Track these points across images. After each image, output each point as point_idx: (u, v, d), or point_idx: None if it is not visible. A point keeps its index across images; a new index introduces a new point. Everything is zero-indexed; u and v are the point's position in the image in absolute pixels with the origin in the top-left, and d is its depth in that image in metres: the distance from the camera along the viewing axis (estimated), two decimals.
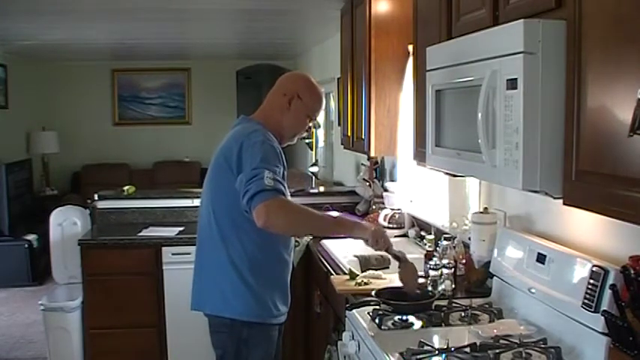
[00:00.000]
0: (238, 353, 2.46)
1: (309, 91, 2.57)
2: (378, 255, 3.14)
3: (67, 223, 4.38)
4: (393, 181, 4.18)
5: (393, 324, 2.21)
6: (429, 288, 2.54)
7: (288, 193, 2.34)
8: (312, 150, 6.99)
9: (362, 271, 2.89)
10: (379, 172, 4.35)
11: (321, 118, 7.13)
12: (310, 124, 2.63)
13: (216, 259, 2.44)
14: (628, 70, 1.35)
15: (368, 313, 2.30)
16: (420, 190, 3.70)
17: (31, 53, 7.54)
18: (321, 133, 7.12)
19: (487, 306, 2.29)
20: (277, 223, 2.26)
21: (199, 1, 4.46)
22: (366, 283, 2.70)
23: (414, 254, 3.19)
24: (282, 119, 2.53)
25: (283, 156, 2.41)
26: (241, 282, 2.41)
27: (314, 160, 6.62)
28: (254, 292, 2.43)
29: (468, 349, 1.86)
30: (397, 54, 3.57)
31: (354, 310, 2.39)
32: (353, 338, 2.35)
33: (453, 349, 1.86)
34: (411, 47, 3.21)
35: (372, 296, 2.39)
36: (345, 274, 2.89)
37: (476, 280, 2.57)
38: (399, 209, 3.78)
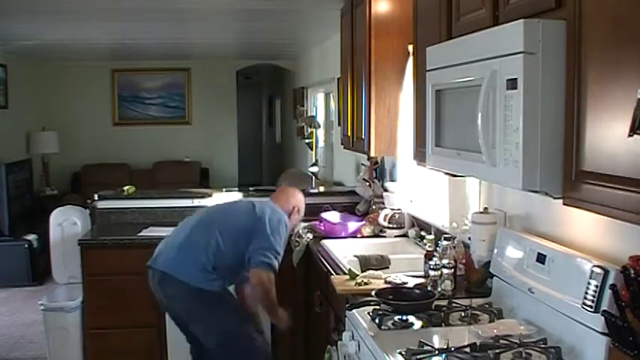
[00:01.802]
0: (240, 326, 3.24)
1: (302, 205, 3.58)
2: (378, 255, 3.15)
3: (67, 223, 4.38)
4: (393, 181, 4.18)
5: (393, 324, 2.21)
6: (429, 288, 2.54)
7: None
8: (312, 150, 6.99)
9: (362, 271, 2.89)
10: (379, 172, 4.34)
11: (321, 118, 7.15)
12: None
13: (208, 251, 3.23)
14: (628, 70, 1.35)
15: (368, 313, 2.30)
16: (420, 190, 3.70)
17: (31, 53, 7.55)
18: (321, 133, 7.12)
19: (487, 306, 2.30)
20: (258, 288, 3.19)
21: (199, 1, 4.46)
22: (366, 283, 2.70)
23: (414, 254, 3.20)
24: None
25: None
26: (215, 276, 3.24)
27: (314, 160, 6.62)
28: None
29: (468, 349, 1.86)
30: (397, 54, 3.57)
31: (354, 310, 2.39)
32: (353, 338, 2.35)
33: (453, 349, 1.86)
34: (411, 47, 3.21)
35: (372, 296, 2.39)
36: (345, 274, 2.89)
37: (476, 280, 2.57)
38: (399, 209, 3.77)
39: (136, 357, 4.06)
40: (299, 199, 3.61)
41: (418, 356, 1.86)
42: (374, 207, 4.14)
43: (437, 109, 2.26)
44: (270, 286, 3.20)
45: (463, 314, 2.25)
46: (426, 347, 1.91)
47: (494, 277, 2.45)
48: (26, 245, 6.45)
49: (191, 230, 3.34)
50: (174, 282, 3.21)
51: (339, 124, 5.52)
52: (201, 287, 3.17)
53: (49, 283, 5.61)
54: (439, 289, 2.53)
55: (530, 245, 2.22)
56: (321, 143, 7.23)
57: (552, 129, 1.65)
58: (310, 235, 3.86)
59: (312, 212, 4.30)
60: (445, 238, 2.71)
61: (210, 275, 3.21)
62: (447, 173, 2.46)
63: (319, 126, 6.76)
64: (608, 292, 1.71)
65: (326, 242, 3.61)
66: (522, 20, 1.65)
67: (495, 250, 2.45)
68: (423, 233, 3.42)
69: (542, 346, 1.89)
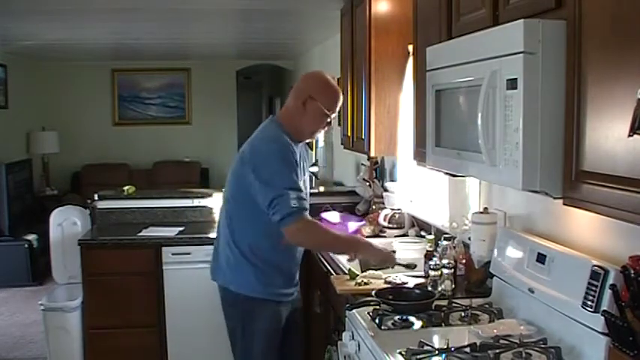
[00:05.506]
0: (244, 325, 2.74)
1: (321, 90, 2.74)
2: None
3: (67, 223, 4.38)
4: (393, 181, 4.18)
5: (393, 324, 2.21)
6: (429, 288, 2.54)
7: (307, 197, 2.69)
8: (311, 150, 6.99)
9: (362, 271, 2.88)
10: (379, 172, 4.35)
11: None
12: (330, 120, 2.80)
13: (225, 238, 2.76)
14: (628, 70, 1.35)
15: (368, 313, 2.30)
16: (420, 190, 3.70)
17: (31, 53, 7.55)
18: (321, 133, 7.11)
19: (487, 306, 2.29)
20: (304, 243, 2.76)
21: (199, 1, 4.46)
22: (366, 283, 2.70)
23: (414, 254, 3.19)
24: (300, 121, 2.73)
25: (297, 156, 2.66)
26: (242, 259, 2.70)
27: (314, 160, 6.62)
28: (254, 271, 2.71)
29: (468, 349, 1.86)
30: (397, 54, 3.57)
31: (354, 310, 2.39)
32: (353, 338, 2.35)
33: (453, 349, 1.86)
34: (411, 47, 3.21)
35: (372, 296, 2.39)
36: (345, 274, 2.89)
37: (476, 280, 2.57)
38: (399, 209, 3.78)
39: (136, 357, 4.06)
40: (311, 83, 2.74)
41: (418, 356, 1.86)
42: (374, 207, 4.14)
43: (437, 109, 2.26)
44: (308, 233, 2.61)
45: (463, 314, 2.25)
46: (426, 347, 1.91)
47: (494, 277, 2.44)
48: (26, 245, 6.46)
49: (218, 227, 2.87)
50: (223, 292, 2.81)
51: (339, 124, 5.52)
52: (246, 295, 2.71)
53: (49, 283, 5.61)
54: (439, 289, 2.53)
55: (530, 245, 2.22)
56: (321, 143, 7.23)
57: (552, 129, 1.64)
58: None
59: (313, 212, 4.30)
60: (445, 238, 2.71)
61: (249, 273, 2.69)
62: (447, 173, 2.46)
63: None
64: (608, 292, 1.71)
65: None
66: (522, 20, 1.64)
67: (495, 250, 2.45)
68: (423, 233, 3.42)
69: (542, 346, 1.89)
